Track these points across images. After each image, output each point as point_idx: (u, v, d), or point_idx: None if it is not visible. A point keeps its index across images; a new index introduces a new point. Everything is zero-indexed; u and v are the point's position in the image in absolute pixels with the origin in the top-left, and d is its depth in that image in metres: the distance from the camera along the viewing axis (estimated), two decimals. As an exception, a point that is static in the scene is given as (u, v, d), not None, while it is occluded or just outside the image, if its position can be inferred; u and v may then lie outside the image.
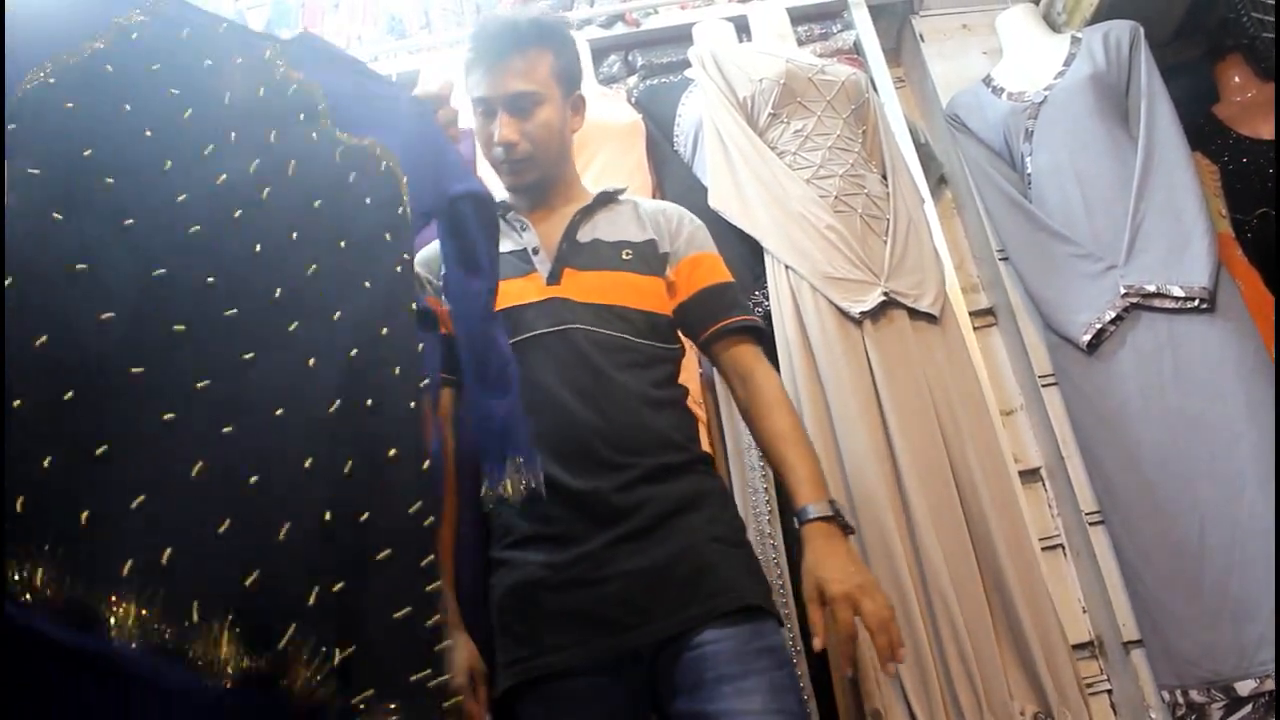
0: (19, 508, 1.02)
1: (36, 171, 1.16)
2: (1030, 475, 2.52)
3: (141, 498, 1.07)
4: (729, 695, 1.48)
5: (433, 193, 1.48)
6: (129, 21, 1.33)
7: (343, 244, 1.32)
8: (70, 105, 1.22)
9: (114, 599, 1.03)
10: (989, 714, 1.88)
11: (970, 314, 2.55)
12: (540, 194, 1.83)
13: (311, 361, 1.21)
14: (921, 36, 3.00)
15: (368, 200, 1.37)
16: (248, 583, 1.08)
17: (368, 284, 1.31)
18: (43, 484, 1.04)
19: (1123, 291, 2.32)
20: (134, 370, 1.11)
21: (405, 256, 1.37)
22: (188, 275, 1.19)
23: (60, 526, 1.03)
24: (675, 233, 1.83)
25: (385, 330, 1.29)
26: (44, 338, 1.07)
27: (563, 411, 1.62)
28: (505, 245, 1.77)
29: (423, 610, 1.18)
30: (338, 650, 1.10)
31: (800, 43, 2.75)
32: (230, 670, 1.04)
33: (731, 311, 1.79)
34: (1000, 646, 1.97)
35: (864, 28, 2.80)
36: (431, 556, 1.21)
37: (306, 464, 1.16)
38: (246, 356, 1.18)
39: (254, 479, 1.12)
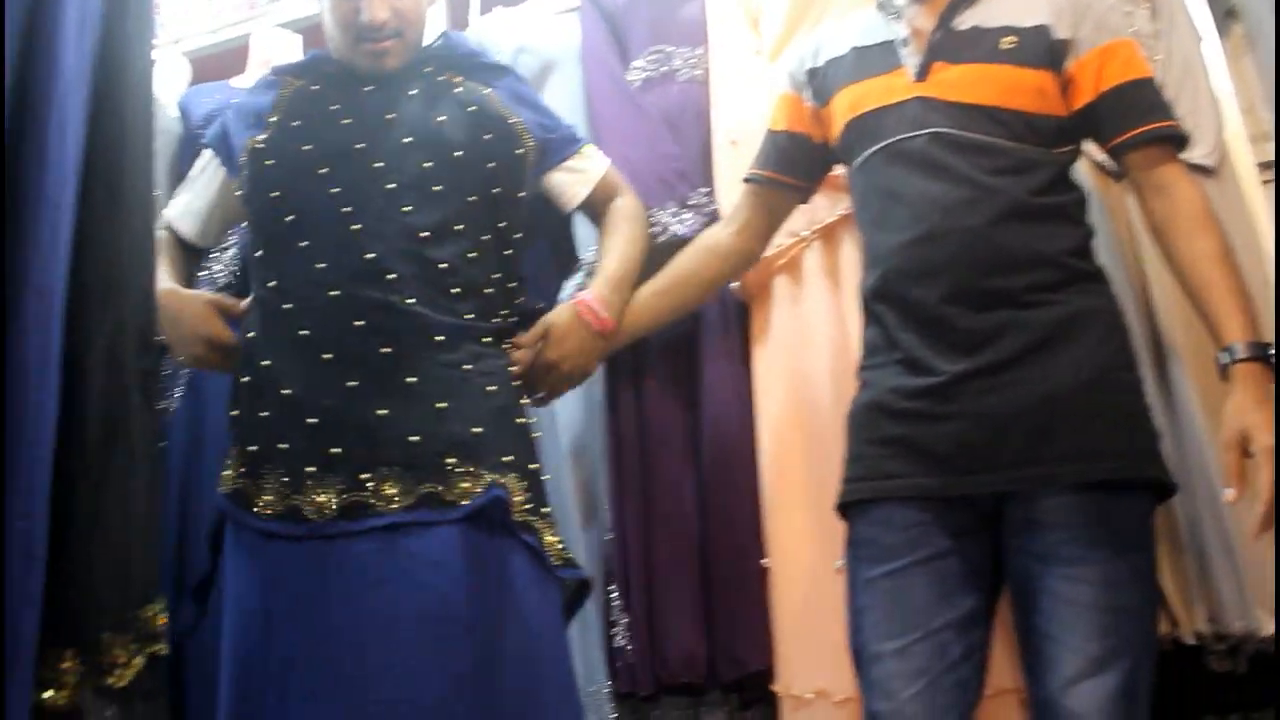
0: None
1: (276, 194, 1.69)
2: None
3: (315, 420, 1.56)
4: (1056, 579, 1.43)
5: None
6: (294, 87, 1.79)
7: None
8: (270, 163, 1.70)
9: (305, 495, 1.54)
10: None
11: (1259, 165, 2.26)
12: None
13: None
14: None
15: (486, 136, 1.74)
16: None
17: (474, 198, 1.70)
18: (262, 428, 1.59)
19: None
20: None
21: (520, 186, 1.77)
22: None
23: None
24: (1081, 14, 1.59)
25: (488, 238, 1.71)
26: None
27: (918, 225, 1.54)
28: (870, 37, 1.69)
29: None
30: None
31: None
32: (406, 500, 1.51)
33: (1148, 116, 1.56)
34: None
35: None
36: None
37: None
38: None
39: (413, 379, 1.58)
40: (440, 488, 1.52)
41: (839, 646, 1.64)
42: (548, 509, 1.62)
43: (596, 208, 1.90)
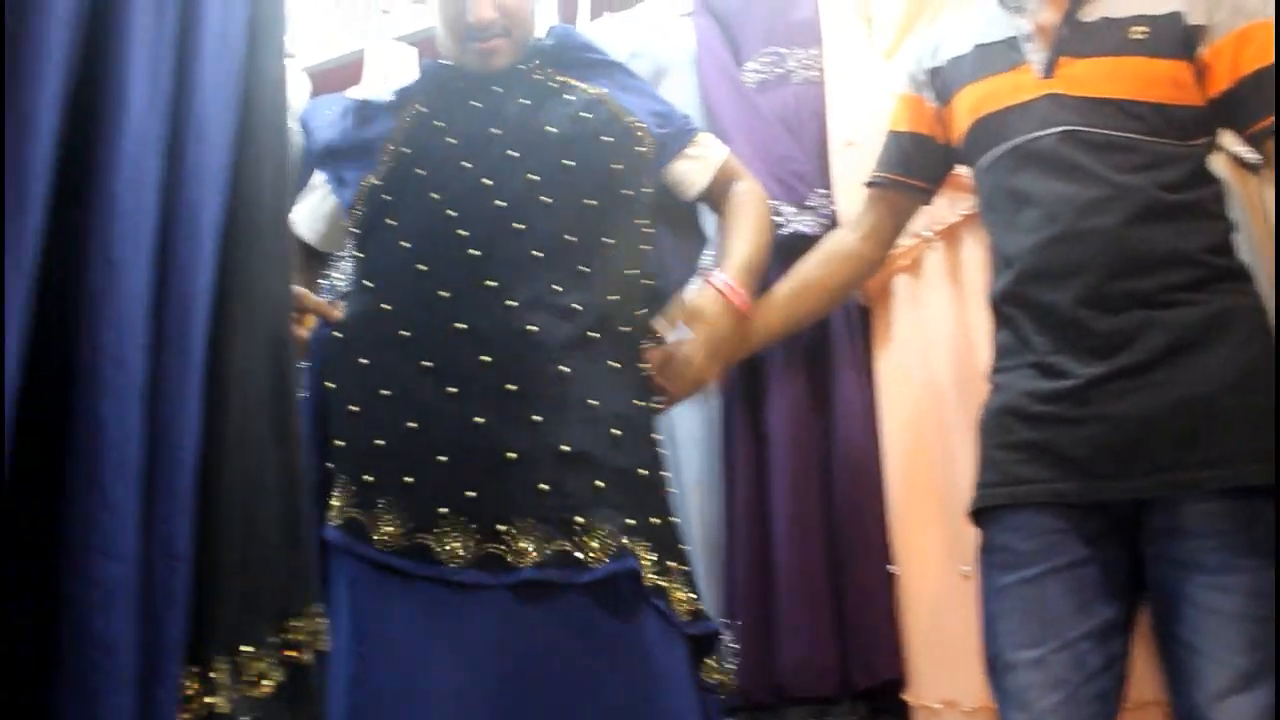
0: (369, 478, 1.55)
1: (394, 223, 1.70)
2: None
3: (445, 458, 1.53)
4: (1200, 588, 1.38)
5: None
6: (413, 110, 1.77)
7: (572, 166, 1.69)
8: (388, 198, 1.72)
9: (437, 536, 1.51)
10: None
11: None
12: None
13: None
14: None
15: (605, 139, 1.73)
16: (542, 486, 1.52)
17: (593, 201, 1.69)
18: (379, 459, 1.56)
19: None
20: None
21: (644, 184, 1.76)
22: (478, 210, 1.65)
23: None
24: None
25: (611, 240, 1.69)
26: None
27: (1050, 226, 1.49)
28: (992, 33, 1.64)
29: None
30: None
31: None
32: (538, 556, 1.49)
33: None
34: None
35: None
36: None
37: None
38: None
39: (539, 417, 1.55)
40: (571, 547, 1.50)
41: (968, 654, 1.61)
42: (674, 563, 1.59)
43: (716, 195, 1.88)
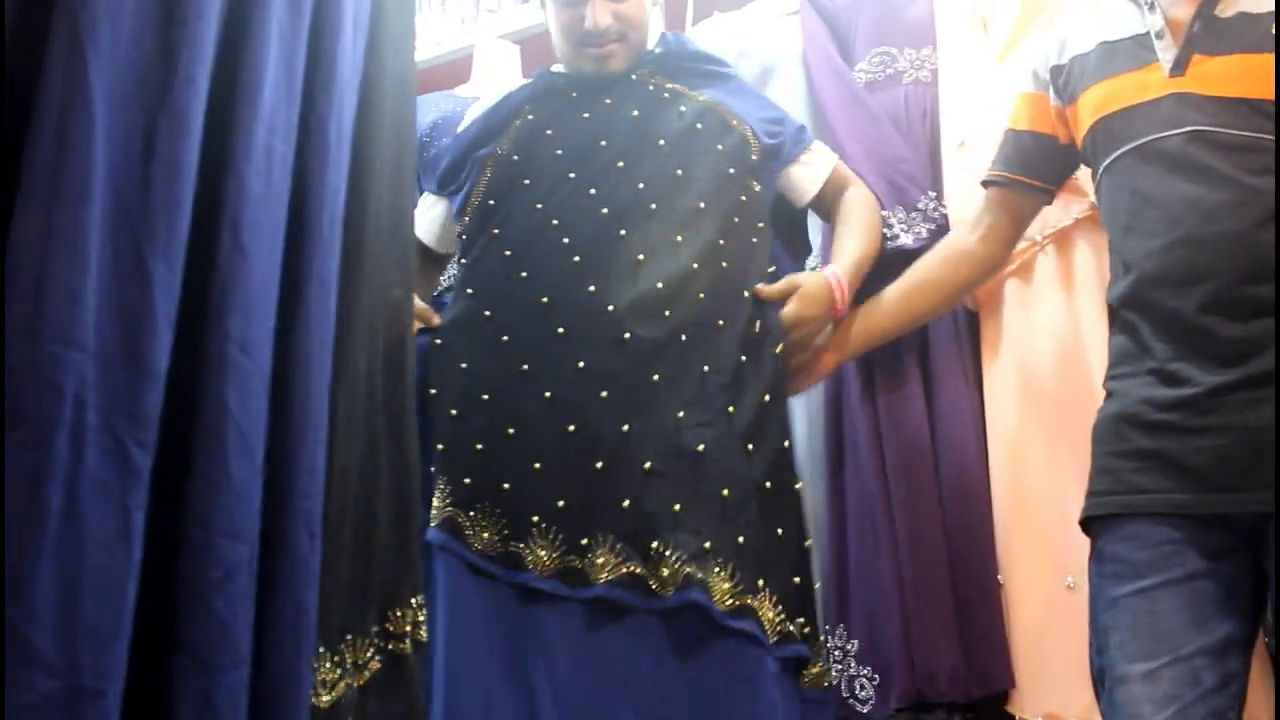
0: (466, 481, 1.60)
1: (496, 231, 1.73)
2: None
3: (539, 465, 1.57)
4: None
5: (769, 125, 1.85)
6: (523, 119, 1.82)
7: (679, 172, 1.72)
8: (492, 204, 1.76)
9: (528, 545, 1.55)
10: None
11: None
12: None
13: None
14: None
15: (719, 147, 1.75)
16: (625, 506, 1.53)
17: (702, 204, 1.70)
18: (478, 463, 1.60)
19: None
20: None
21: (755, 187, 1.79)
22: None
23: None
24: None
25: (723, 241, 1.70)
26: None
27: (1175, 229, 1.45)
28: (1120, 30, 1.60)
29: None
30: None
31: None
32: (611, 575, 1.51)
33: None
34: None
35: None
36: None
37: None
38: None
39: (626, 427, 1.56)
40: (643, 571, 1.51)
41: (1072, 668, 1.58)
42: (766, 579, 1.56)
43: (827, 201, 1.89)
